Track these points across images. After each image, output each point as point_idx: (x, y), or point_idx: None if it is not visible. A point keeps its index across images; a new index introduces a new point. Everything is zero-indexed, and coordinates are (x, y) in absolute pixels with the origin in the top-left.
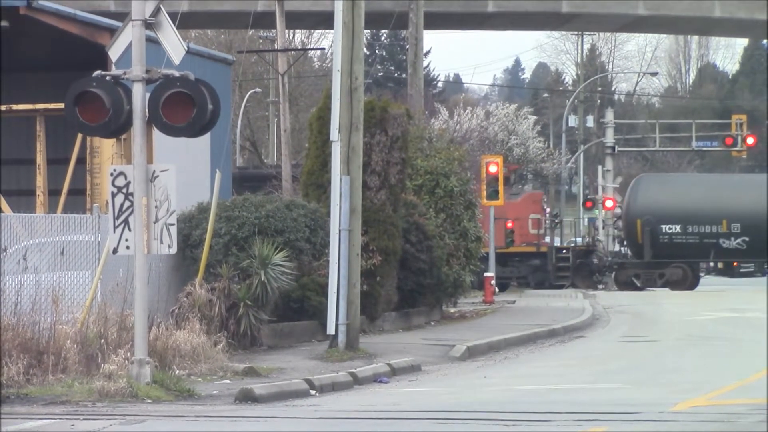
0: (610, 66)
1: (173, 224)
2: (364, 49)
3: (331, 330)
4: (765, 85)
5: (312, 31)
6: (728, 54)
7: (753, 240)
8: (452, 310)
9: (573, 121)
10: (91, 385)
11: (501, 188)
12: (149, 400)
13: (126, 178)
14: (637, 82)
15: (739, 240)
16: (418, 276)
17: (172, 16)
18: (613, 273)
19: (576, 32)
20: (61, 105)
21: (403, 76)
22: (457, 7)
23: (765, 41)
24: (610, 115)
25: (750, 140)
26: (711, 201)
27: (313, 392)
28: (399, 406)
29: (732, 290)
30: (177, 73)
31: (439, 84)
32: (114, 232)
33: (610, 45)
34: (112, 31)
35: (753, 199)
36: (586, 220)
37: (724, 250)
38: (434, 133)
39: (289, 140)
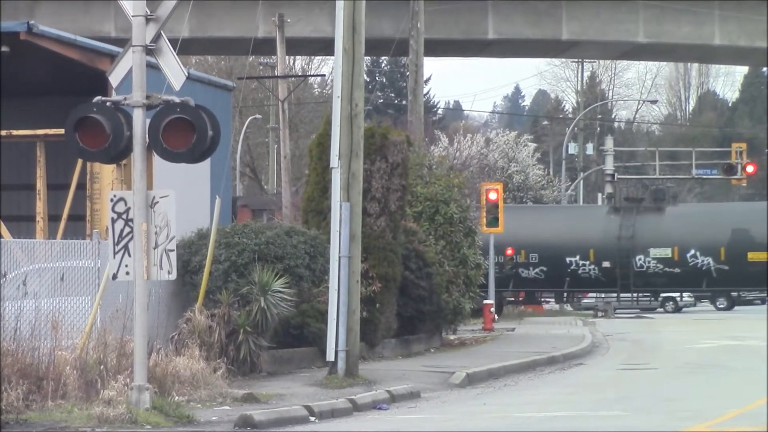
0: (610, 93)
1: (173, 250)
2: (365, 76)
3: (330, 356)
4: (765, 112)
5: (312, 57)
6: (728, 81)
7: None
8: (452, 337)
9: (573, 148)
10: (90, 411)
11: (501, 215)
12: (148, 426)
13: (126, 204)
14: (637, 110)
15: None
16: (418, 303)
17: (173, 42)
18: None
19: (576, 60)
20: (62, 130)
21: (404, 102)
22: (457, 35)
23: (765, 69)
24: (609, 143)
25: (750, 168)
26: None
27: (312, 419)
28: None
29: (733, 318)
30: (177, 99)
31: (440, 111)
32: (114, 257)
33: (610, 72)
34: (113, 57)
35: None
36: None
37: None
38: (434, 160)
39: (289, 166)
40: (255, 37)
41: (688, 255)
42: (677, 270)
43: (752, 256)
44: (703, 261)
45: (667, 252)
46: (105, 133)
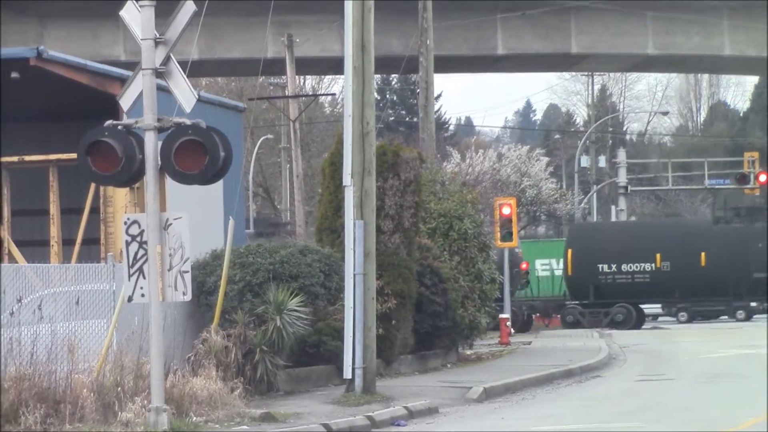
0: (621, 106)
1: (187, 271)
2: (375, 94)
3: (347, 374)
4: None
5: (322, 76)
6: (739, 91)
7: None
8: (468, 352)
9: (585, 161)
10: None
11: (515, 230)
12: None
13: (140, 227)
14: (649, 122)
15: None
16: (434, 318)
17: (182, 64)
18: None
19: (586, 73)
20: (74, 155)
21: (415, 120)
22: (466, 51)
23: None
24: (622, 155)
25: (762, 177)
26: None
27: None
28: None
29: (748, 327)
30: (188, 121)
31: (451, 127)
32: (129, 280)
33: (621, 85)
34: (123, 81)
35: None
36: None
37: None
38: (447, 176)
39: (302, 186)
40: (264, 57)
41: None
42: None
43: None
44: None
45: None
46: (117, 156)
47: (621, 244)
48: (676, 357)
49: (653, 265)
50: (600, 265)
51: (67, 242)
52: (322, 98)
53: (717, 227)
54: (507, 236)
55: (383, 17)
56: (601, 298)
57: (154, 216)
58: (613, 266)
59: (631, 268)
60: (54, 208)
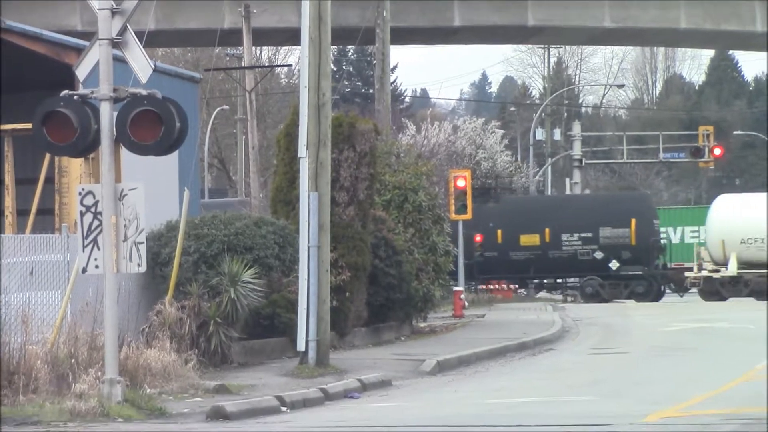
0: (577, 79)
1: (142, 243)
2: (331, 65)
3: (301, 346)
4: (731, 95)
5: (279, 47)
6: (694, 65)
7: None
8: (422, 324)
9: (540, 134)
10: (62, 405)
11: (469, 202)
12: (121, 420)
13: (94, 198)
14: (604, 95)
15: None
16: (388, 291)
17: (139, 34)
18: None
19: (542, 45)
20: (29, 125)
21: (371, 91)
22: (423, 22)
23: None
24: (577, 128)
25: (717, 151)
26: None
27: (284, 409)
28: (370, 421)
29: (702, 302)
30: (144, 92)
31: (407, 99)
32: (83, 251)
33: (577, 58)
34: (79, 51)
35: None
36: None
37: None
38: (402, 149)
39: (257, 157)
40: (221, 28)
41: None
42: None
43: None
44: None
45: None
46: (72, 127)
47: None
48: (629, 330)
49: None
50: None
51: (22, 213)
52: (278, 69)
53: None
54: (461, 209)
55: None
56: None
57: (109, 187)
58: None
59: None
60: (9, 179)
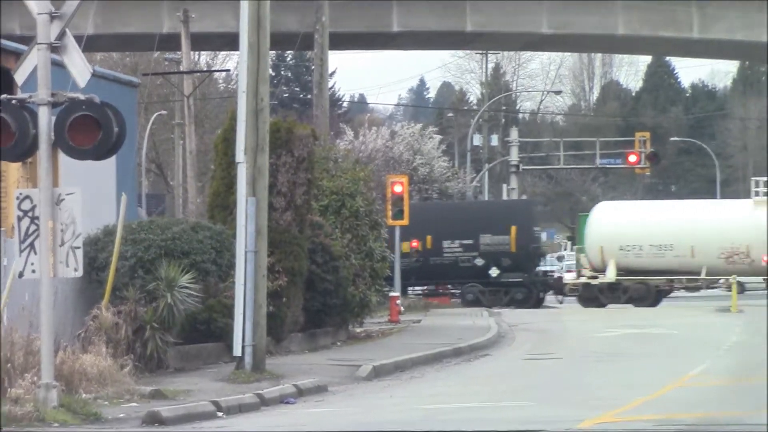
0: (515, 85)
1: (79, 247)
2: (270, 70)
3: (237, 351)
4: (668, 101)
5: (217, 52)
6: (631, 71)
7: None
8: (358, 330)
9: (478, 140)
10: None
11: (406, 208)
12: (56, 424)
13: (32, 202)
14: (541, 101)
15: None
16: (325, 296)
17: (78, 39)
18: None
19: (480, 51)
20: None
21: (309, 96)
22: (362, 28)
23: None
24: (514, 134)
25: (654, 157)
26: None
27: (220, 414)
28: (306, 427)
29: (635, 308)
30: (83, 96)
31: (345, 104)
32: (20, 255)
33: (514, 64)
34: (18, 55)
35: None
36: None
37: None
38: (340, 154)
39: (195, 162)
40: (160, 32)
41: None
42: None
43: None
44: None
45: None
46: (10, 131)
47: None
48: (564, 336)
49: None
50: None
51: None
52: (216, 74)
53: None
54: (398, 214)
55: None
56: None
57: (46, 191)
58: None
59: None
60: None
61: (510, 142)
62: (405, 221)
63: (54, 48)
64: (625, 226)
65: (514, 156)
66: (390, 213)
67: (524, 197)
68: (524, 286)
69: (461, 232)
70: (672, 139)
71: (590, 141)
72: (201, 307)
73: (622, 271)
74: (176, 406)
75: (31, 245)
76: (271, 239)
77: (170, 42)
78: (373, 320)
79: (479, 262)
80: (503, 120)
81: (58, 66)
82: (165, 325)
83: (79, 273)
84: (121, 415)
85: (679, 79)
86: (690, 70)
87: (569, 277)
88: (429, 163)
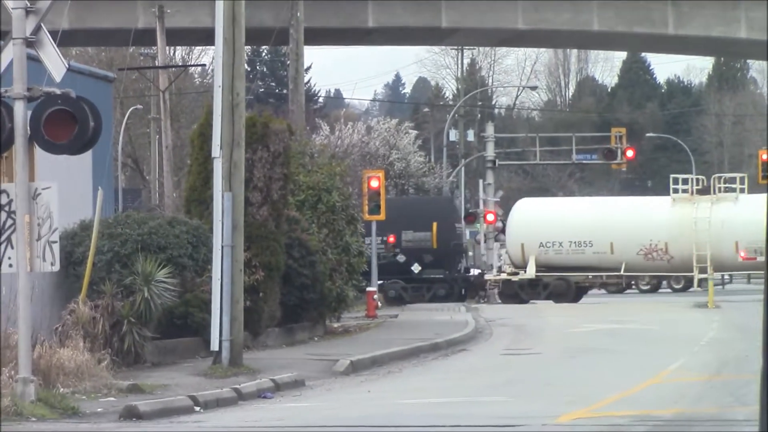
0: (490, 80)
1: (56, 242)
2: (245, 66)
3: (214, 346)
4: (643, 97)
5: (193, 47)
6: (607, 67)
7: None
8: (335, 324)
9: (454, 135)
10: None
11: (383, 203)
12: (34, 419)
13: (8, 196)
14: (517, 96)
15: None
16: (301, 291)
17: (53, 34)
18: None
19: (456, 47)
20: None
21: (285, 91)
22: (337, 23)
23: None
24: (490, 129)
25: (629, 153)
26: None
27: (197, 408)
28: (283, 421)
29: (613, 303)
30: (58, 91)
31: (321, 99)
32: None
33: (490, 59)
34: None
35: None
36: (467, 234)
37: None
38: (316, 149)
39: (171, 157)
40: (135, 27)
41: None
42: None
43: None
44: None
45: None
46: None
47: None
48: (542, 331)
49: None
50: None
51: None
52: (192, 69)
53: None
54: (375, 209)
55: None
56: None
57: (22, 185)
58: None
59: None
60: None
61: (486, 137)
62: (382, 216)
63: (29, 43)
64: (545, 222)
65: (490, 151)
66: (366, 208)
67: (501, 193)
68: (446, 282)
69: (383, 228)
70: (648, 135)
71: (566, 136)
72: (178, 301)
73: (542, 267)
74: (154, 400)
75: (8, 239)
76: (247, 234)
77: (145, 37)
78: (350, 315)
79: (401, 258)
80: (479, 115)
81: (33, 60)
82: (142, 320)
83: (56, 267)
84: (99, 409)
85: (654, 75)
86: (665, 66)
87: (490, 275)
88: (405, 158)
